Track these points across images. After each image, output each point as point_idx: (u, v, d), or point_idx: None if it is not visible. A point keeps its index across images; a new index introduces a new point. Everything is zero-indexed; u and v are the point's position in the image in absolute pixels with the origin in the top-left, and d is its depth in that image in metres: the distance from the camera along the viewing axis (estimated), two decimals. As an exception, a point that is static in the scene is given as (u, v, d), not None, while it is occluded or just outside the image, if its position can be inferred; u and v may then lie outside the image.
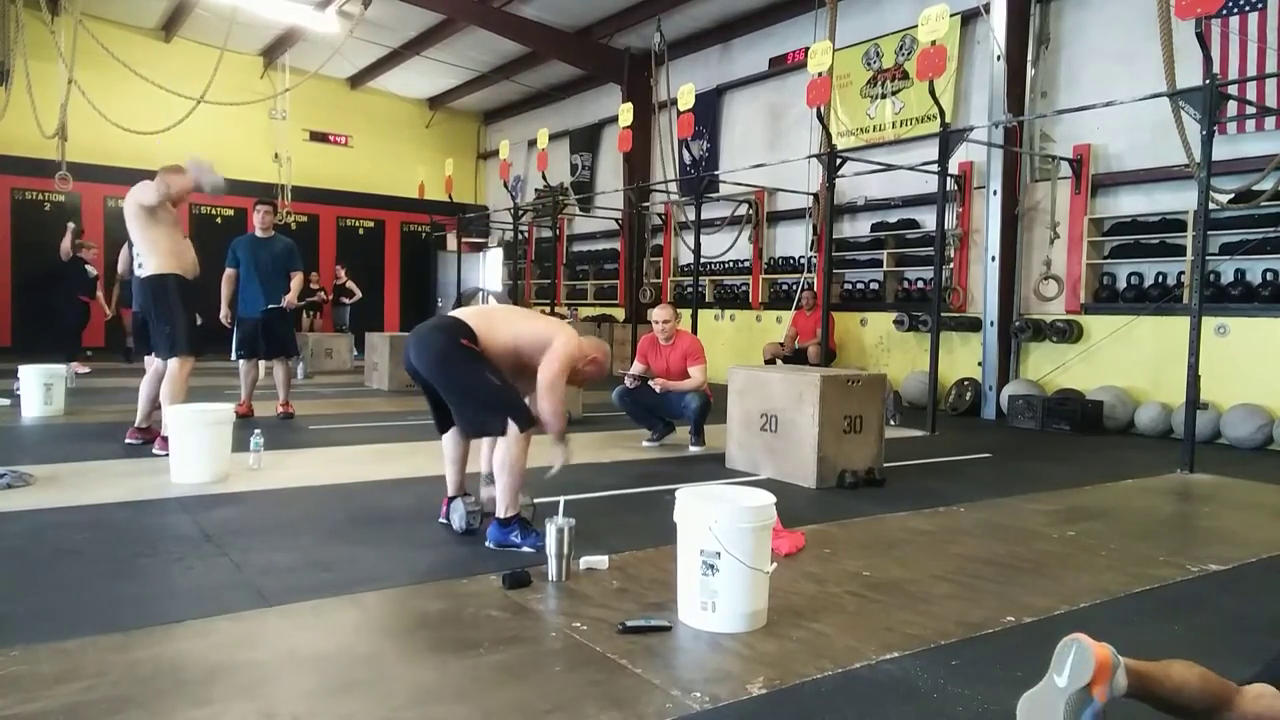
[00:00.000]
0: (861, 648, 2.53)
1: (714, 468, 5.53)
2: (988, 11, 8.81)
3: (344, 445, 6.02)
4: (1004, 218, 8.85)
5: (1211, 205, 6.19)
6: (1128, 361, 8.07)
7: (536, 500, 3.81)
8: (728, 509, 2.62)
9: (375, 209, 17.62)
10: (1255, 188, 7.11)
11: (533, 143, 13.03)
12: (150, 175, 5.42)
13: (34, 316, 13.51)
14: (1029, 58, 8.80)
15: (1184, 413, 5.90)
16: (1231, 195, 7.26)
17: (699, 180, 10.81)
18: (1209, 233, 6.10)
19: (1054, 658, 1.84)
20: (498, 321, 3.68)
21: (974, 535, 3.97)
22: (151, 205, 5.30)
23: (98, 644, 2.40)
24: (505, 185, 13.50)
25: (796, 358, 9.77)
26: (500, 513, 3.49)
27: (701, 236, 10.52)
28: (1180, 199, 7.82)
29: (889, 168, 8.96)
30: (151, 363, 5.69)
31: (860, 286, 10.80)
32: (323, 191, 16.86)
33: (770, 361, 9.71)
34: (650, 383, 6.19)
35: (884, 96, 10.42)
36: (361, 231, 17.71)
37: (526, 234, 16.52)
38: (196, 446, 4.58)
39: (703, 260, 11.14)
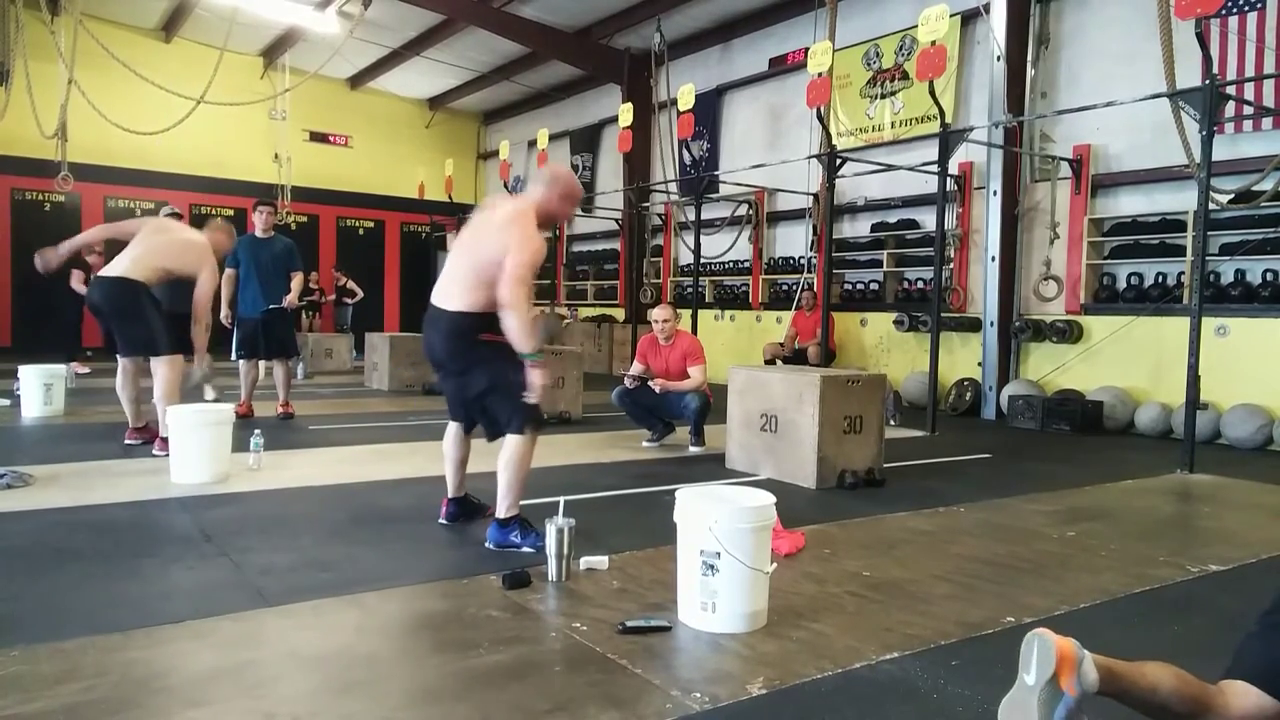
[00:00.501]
0: (861, 648, 2.53)
1: (714, 468, 5.53)
2: (988, 12, 8.81)
3: (344, 445, 6.02)
4: (1004, 218, 8.85)
5: (1211, 205, 6.20)
6: (1128, 362, 8.07)
7: (536, 501, 3.81)
8: (728, 509, 2.62)
9: (375, 209, 17.62)
10: (1255, 188, 7.11)
11: (533, 143, 13.04)
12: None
13: (34, 316, 13.51)
14: (1029, 58, 8.80)
15: (1184, 413, 5.90)
16: (1231, 195, 7.26)
17: (699, 180, 10.82)
18: (1209, 233, 6.10)
19: (1020, 657, 1.83)
20: (454, 273, 3.51)
21: (974, 535, 3.97)
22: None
23: (97, 644, 2.40)
24: (505, 185, 13.50)
25: (796, 358, 9.77)
26: (500, 513, 3.49)
27: (701, 236, 10.52)
28: (1180, 199, 7.82)
29: (889, 168, 8.96)
30: (121, 363, 5.66)
31: (860, 287, 10.80)
32: (323, 192, 16.86)
33: (770, 362, 9.71)
34: (650, 383, 6.18)
35: (884, 97, 10.43)
36: (361, 231, 17.71)
37: (526, 234, 16.47)
38: (196, 447, 4.58)
39: (703, 260, 11.14)
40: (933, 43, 6.69)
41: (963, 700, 2.21)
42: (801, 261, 11.35)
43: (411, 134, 18.01)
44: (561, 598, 2.92)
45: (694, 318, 10.04)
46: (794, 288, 10.91)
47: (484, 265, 3.41)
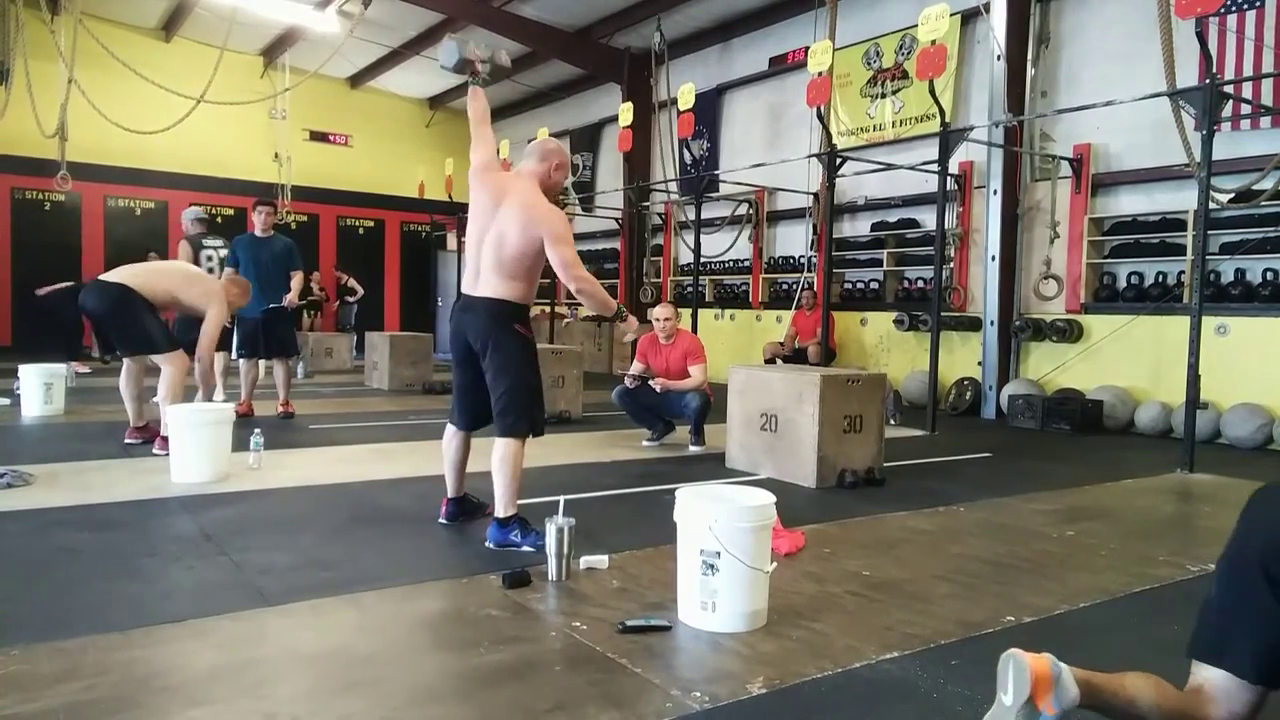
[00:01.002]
0: (861, 647, 2.53)
1: (714, 467, 5.53)
2: (988, 11, 8.81)
3: (344, 445, 6.02)
4: (1004, 217, 8.85)
5: (1211, 205, 6.19)
6: (1128, 361, 8.07)
7: (536, 501, 3.81)
8: (727, 508, 2.62)
9: (375, 209, 17.63)
10: (1255, 187, 7.10)
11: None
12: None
13: (34, 316, 13.51)
14: (1029, 57, 8.80)
15: (1184, 412, 5.90)
16: (1231, 195, 7.25)
17: (699, 180, 10.81)
18: (1209, 232, 6.10)
19: (997, 677, 1.81)
20: (486, 263, 3.52)
21: (974, 535, 3.97)
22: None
23: (98, 644, 2.41)
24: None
25: (796, 357, 9.77)
26: (499, 512, 3.49)
27: (701, 236, 10.52)
28: (1180, 198, 7.82)
29: (889, 167, 8.96)
30: (126, 363, 5.69)
31: (860, 286, 10.80)
32: (323, 191, 16.86)
33: (770, 361, 9.71)
34: (650, 382, 6.18)
35: (884, 96, 10.42)
36: (361, 231, 17.71)
37: (526, 233, 16.49)
38: (196, 446, 4.58)
39: (703, 260, 11.14)
40: (933, 42, 6.69)
41: (963, 700, 2.21)
42: (801, 261, 11.35)
43: (411, 133, 18.01)
44: (561, 597, 2.92)
45: (694, 317, 10.04)
46: (794, 287, 10.91)
47: (510, 259, 3.46)
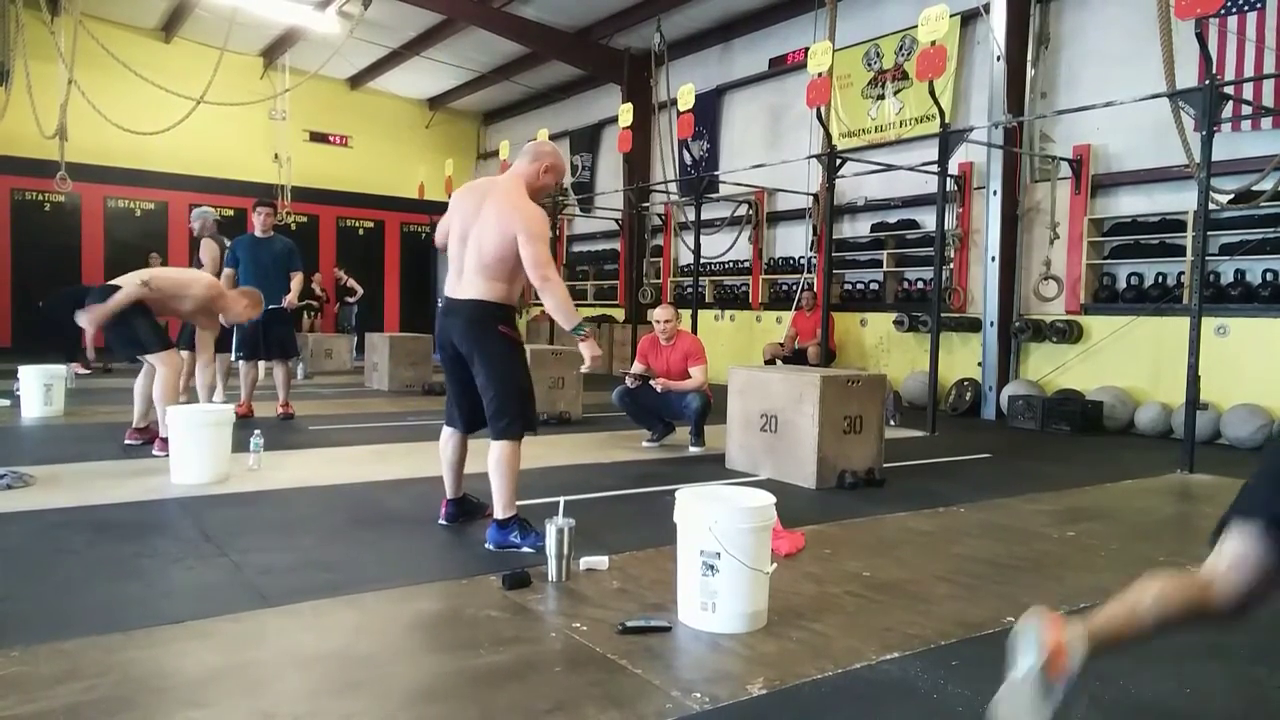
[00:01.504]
0: (861, 648, 2.53)
1: (714, 468, 5.52)
2: (988, 12, 8.81)
3: (344, 446, 6.02)
4: (1004, 218, 8.85)
5: (1211, 205, 6.19)
6: (1128, 362, 8.07)
7: (536, 501, 3.81)
8: (727, 509, 2.62)
9: (375, 209, 17.63)
10: (1255, 188, 7.10)
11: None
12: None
13: (34, 317, 13.51)
14: (1029, 58, 8.80)
15: (1184, 413, 5.90)
16: (1231, 195, 7.25)
17: (699, 180, 10.82)
18: (1209, 233, 6.10)
19: (1011, 647, 1.80)
20: (469, 264, 3.51)
21: (974, 535, 3.97)
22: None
23: (98, 644, 2.40)
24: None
25: (796, 358, 9.77)
26: (498, 514, 3.49)
27: (701, 237, 10.52)
28: (1180, 199, 7.82)
29: (889, 168, 8.96)
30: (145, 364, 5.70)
31: (860, 287, 10.80)
32: (322, 192, 16.86)
33: (770, 362, 9.70)
34: (651, 382, 6.18)
35: (884, 97, 10.42)
36: (361, 232, 17.71)
37: (526, 234, 16.48)
38: (196, 447, 4.58)
39: (703, 260, 11.14)
40: (933, 43, 6.69)
41: (963, 700, 2.21)
42: (801, 261, 11.35)
43: (411, 134, 18.01)
44: (561, 598, 2.92)
45: (694, 318, 10.04)
46: (794, 288, 10.91)
47: (492, 260, 3.45)
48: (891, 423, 7.22)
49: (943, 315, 8.24)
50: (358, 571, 3.17)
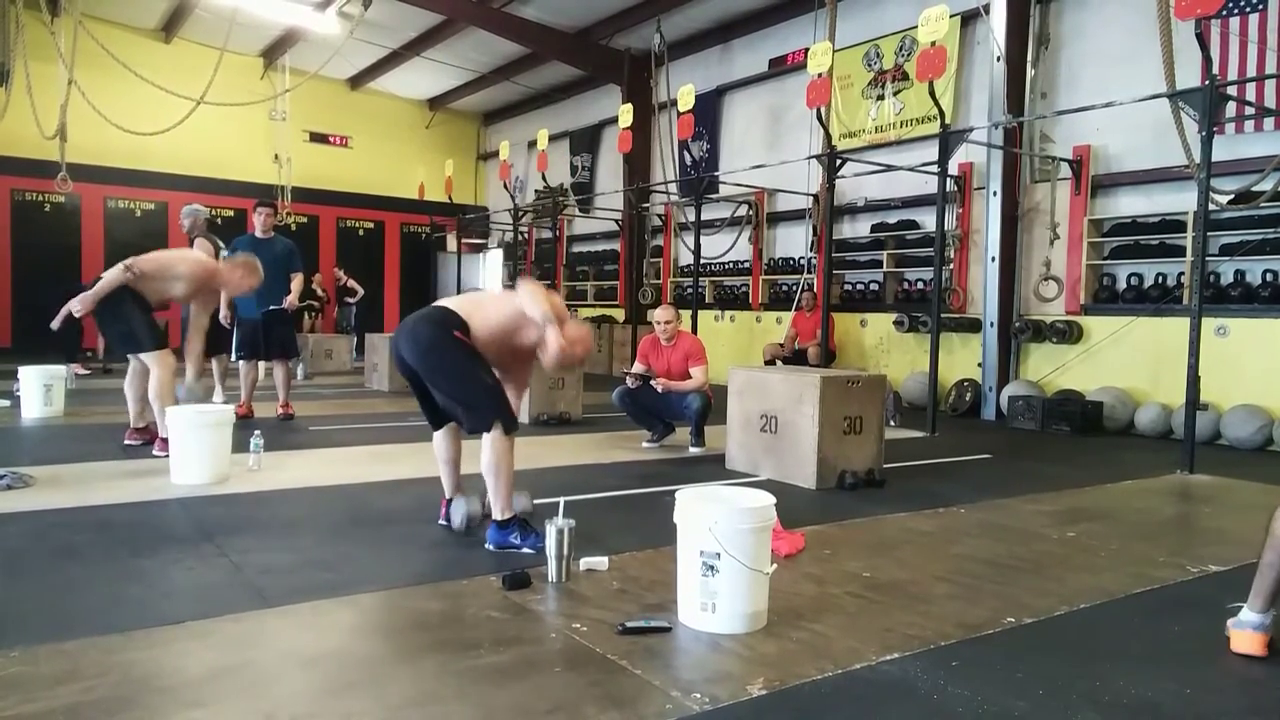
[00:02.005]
0: (861, 648, 2.53)
1: (714, 468, 5.52)
2: (988, 12, 8.81)
3: (344, 446, 6.02)
4: (1004, 218, 8.85)
5: (1211, 206, 6.19)
6: (1128, 362, 8.07)
7: (537, 501, 3.81)
8: (727, 510, 2.62)
9: (375, 210, 17.62)
10: (1255, 188, 7.10)
11: (533, 143, 13.03)
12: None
13: (34, 317, 13.52)
14: (1029, 58, 8.80)
15: (1184, 413, 5.90)
16: (1231, 196, 7.25)
17: (699, 181, 10.81)
18: (1209, 233, 6.10)
19: None
20: (486, 305, 3.63)
21: (974, 536, 3.97)
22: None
23: (98, 645, 2.40)
24: (505, 186, 13.50)
25: (796, 359, 9.77)
26: (497, 515, 3.49)
27: (701, 237, 10.52)
28: (1180, 199, 7.82)
29: (889, 168, 8.96)
30: (132, 362, 5.67)
31: (860, 287, 10.80)
32: (323, 192, 16.86)
33: (770, 362, 9.70)
34: (652, 382, 6.18)
35: (884, 97, 10.42)
36: (361, 232, 17.71)
37: (526, 235, 16.53)
38: (196, 447, 4.58)
39: (703, 261, 11.14)
40: (933, 43, 6.69)
41: (963, 700, 2.21)
42: (801, 262, 11.35)
43: (411, 134, 18.01)
44: (561, 598, 2.92)
45: (694, 318, 10.04)
46: (794, 288, 10.91)
47: (510, 311, 3.58)
48: (891, 423, 7.22)
49: (943, 316, 8.24)
50: (357, 571, 3.17)
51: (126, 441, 5.61)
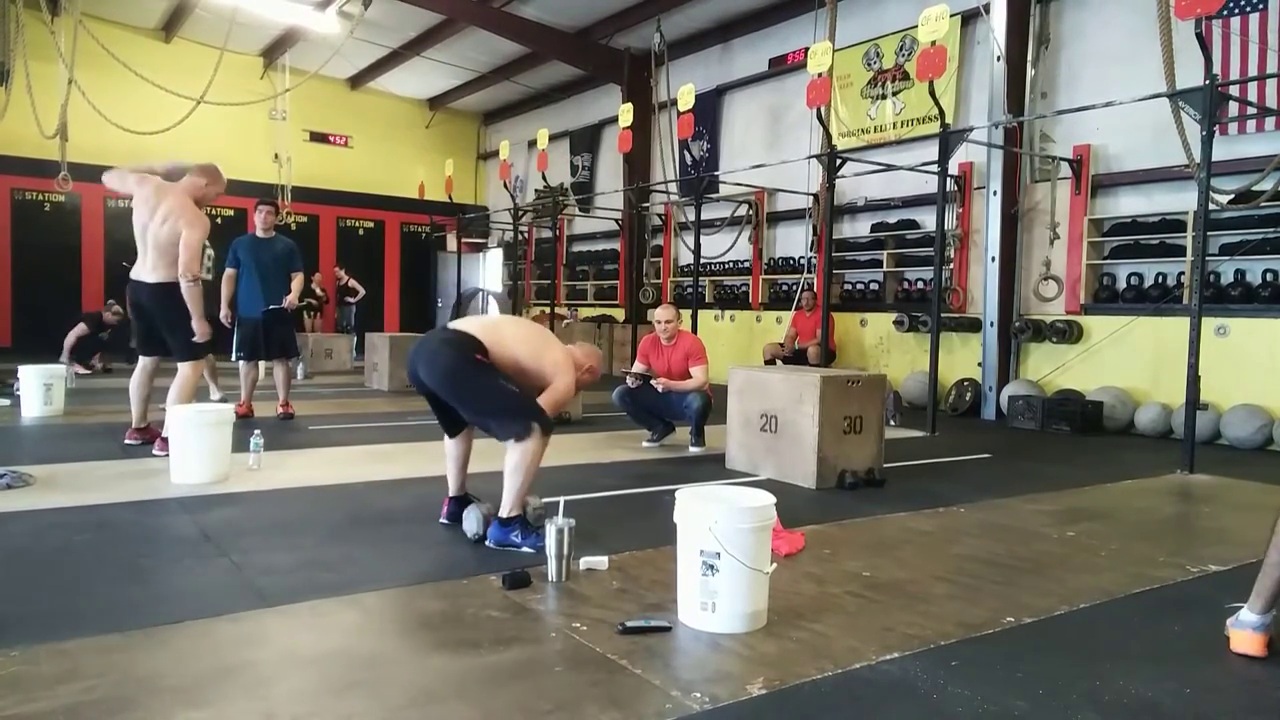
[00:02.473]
0: (861, 648, 2.53)
1: (714, 468, 5.53)
2: (988, 12, 8.82)
3: (344, 446, 6.02)
4: (1004, 218, 8.85)
5: (1211, 206, 6.19)
6: (1128, 362, 8.07)
7: (537, 501, 3.81)
8: (727, 509, 2.62)
9: (375, 209, 17.62)
10: (1255, 188, 7.10)
11: (533, 143, 13.03)
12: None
13: (34, 317, 13.52)
14: (1029, 58, 8.80)
15: (1184, 413, 5.89)
16: (1231, 196, 7.26)
17: (699, 181, 10.81)
18: (1209, 233, 6.10)
19: None
20: (505, 337, 3.64)
21: (974, 535, 3.97)
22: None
23: (98, 644, 2.40)
24: (505, 186, 13.50)
25: (796, 358, 9.77)
26: (503, 512, 3.49)
27: (701, 237, 10.51)
28: (1180, 199, 7.82)
29: (889, 168, 8.96)
30: (142, 362, 5.68)
31: (860, 287, 10.80)
32: (323, 192, 16.85)
33: (770, 362, 9.70)
34: (653, 382, 6.18)
35: (884, 97, 10.42)
36: (361, 232, 17.70)
37: (526, 234, 16.52)
38: (196, 447, 4.58)
39: (703, 261, 11.13)
40: (933, 43, 6.69)
41: (963, 700, 2.21)
42: (801, 261, 11.35)
43: (411, 134, 18.01)
44: (561, 598, 2.92)
45: (694, 318, 10.03)
46: (794, 288, 10.91)
47: (534, 364, 3.64)
48: (891, 423, 7.23)
49: (943, 315, 8.25)
50: (358, 571, 3.17)
51: (127, 441, 5.61)
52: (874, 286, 10.62)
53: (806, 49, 8.25)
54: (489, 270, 18.95)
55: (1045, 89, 8.89)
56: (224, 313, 7.06)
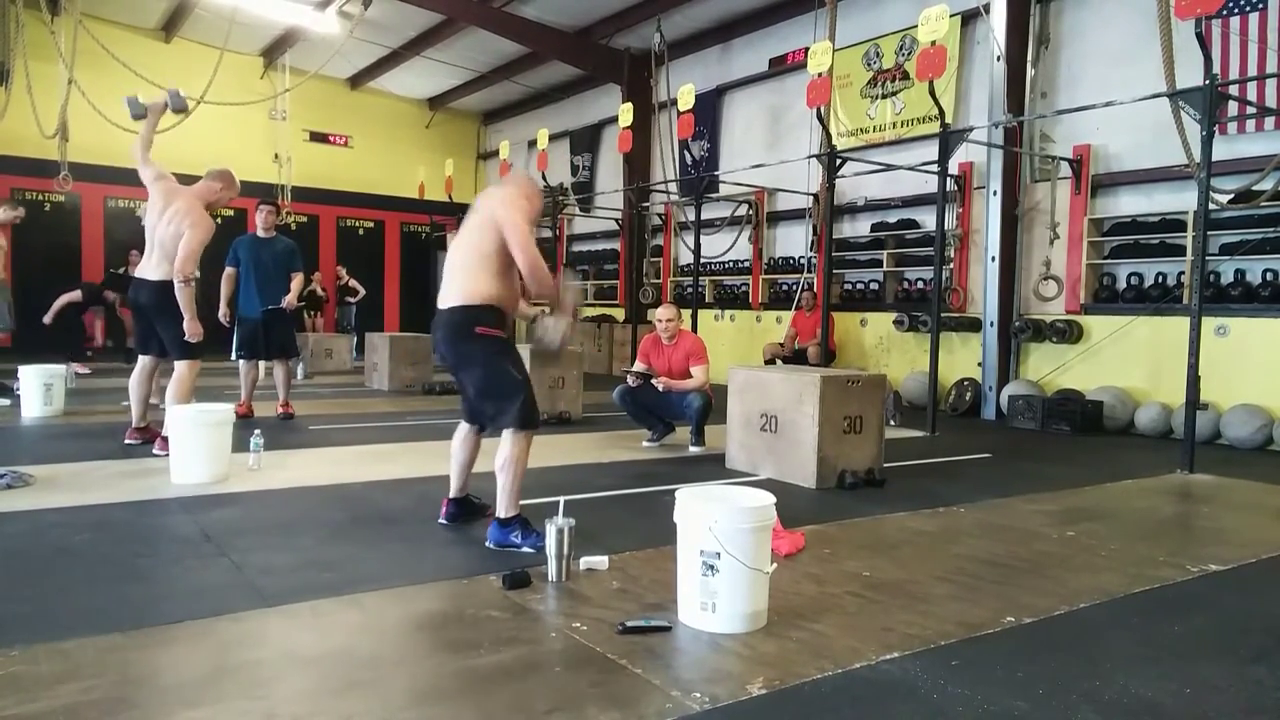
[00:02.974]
0: (861, 648, 2.53)
1: (714, 468, 5.52)
2: (988, 12, 8.81)
3: (344, 445, 6.02)
4: (1004, 218, 8.85)
5: (1211, 205, 6.19)
6: (1128, 362, 8.07)
7: (536, 501, 3.81)
8: (727, 509, 2.62)
9: (375, 209, 17.62)
10: (1255, 188, 7.10)
11: (533, 143, 13.02)
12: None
13: (34, 317, 13.49)
14: (1029, 58, 8.80)
15: (1184, 413, 5.89)
16: (1231, 195, 7.26)
17: (699, 180, 10.81)
18: (1209, 233, 6.10)
19: None
20: (456, 265, 3.56)
21: (974, 535, 3.97)
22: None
23: (97, 644, 2.40)
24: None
25: (796, 358, 9.77)
26: (500, 513, 3.49)
27: (701, 237, 10.52)
28: (1180, 199, 7.82)
29: (889, 168, 8.96)
30: (141, 361, 5.68)
31: (860, 287, 10.80)
32: (323, 192, 16.86)
33: (770, 362, 9.70)
34: (653, 381, 6.18)
35: (884, 97, 10.42)
36: (361, 232, 17.70)
37: (526, 234, 16.49)
38: (196, 447, 4.58)
39: (703, 260, 11.14)
40: (933, 43, 6.69)
41: (963, 700, 2.21)
42: (801, 261, 11.35)
43: (411, 134, 18.00)
44: (561, 598, 2.92)
45: (694, 318, 10.04)
46: (794, 288, 10.91)
47: (475, 254, 3.51)
48: (891, 423, 7.23)
49: (943, 315, 8.24)
50: (358, 571, 3.17)
51: (127, 441, 5.61)
52: (874, 286, 10.62)
53: (806, 49, 8.25)
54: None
55: (1045, 89, 8.89)
56: (223, 312, 7.05)
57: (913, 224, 10.10)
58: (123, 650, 2.38)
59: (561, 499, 3.16)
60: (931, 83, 6.92)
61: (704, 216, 10.86)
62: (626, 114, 9.97)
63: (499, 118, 18.37)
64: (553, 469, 5.25)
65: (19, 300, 13.85)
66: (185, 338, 5.29)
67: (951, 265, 9.47)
